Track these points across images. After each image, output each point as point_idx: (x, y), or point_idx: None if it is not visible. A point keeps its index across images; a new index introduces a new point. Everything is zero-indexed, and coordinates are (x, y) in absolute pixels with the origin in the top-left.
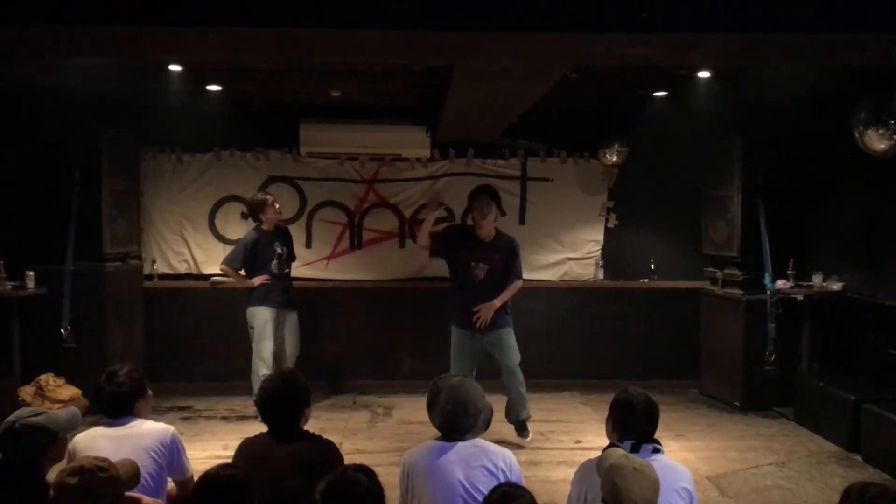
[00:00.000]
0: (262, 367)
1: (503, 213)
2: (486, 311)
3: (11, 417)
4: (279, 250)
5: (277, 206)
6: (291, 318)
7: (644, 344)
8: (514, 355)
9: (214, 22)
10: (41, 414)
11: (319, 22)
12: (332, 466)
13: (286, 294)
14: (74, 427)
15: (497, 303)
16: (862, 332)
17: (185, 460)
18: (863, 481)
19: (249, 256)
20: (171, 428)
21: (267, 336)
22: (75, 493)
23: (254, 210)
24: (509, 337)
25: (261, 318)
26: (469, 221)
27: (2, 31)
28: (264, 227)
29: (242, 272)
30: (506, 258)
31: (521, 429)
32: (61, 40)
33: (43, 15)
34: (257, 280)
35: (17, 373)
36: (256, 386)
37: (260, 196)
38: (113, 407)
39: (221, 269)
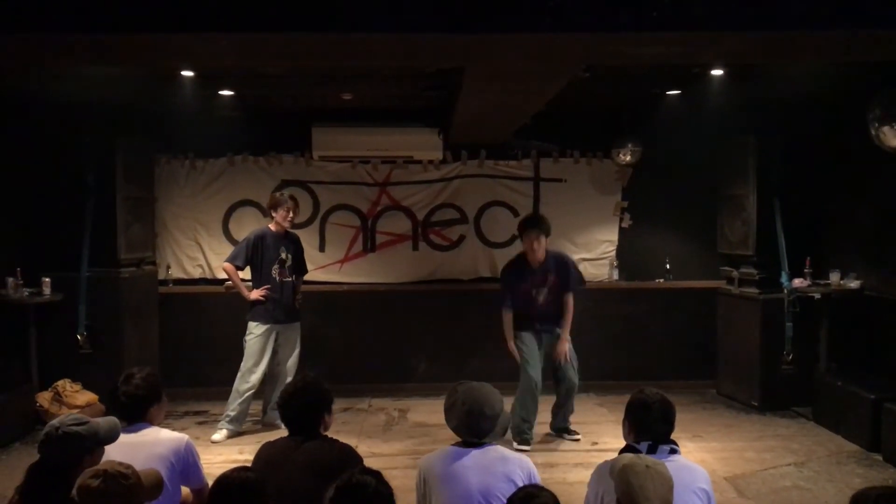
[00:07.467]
0: (245, 386)
1: (547, 235)
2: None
3: (55, 422)
4: (283, 256)
5: (291, 215)
6: (293, 332)
7: (660, 344)
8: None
9: (226, 28)
10: (85, 423)
11: (330, 26)
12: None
13: (289, 306)
14: (114, 439)
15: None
16: (880, 329)
17: (201, 469)
18: (864, 487)
19: (253, 253)
20: (185, 437)
21: (258, 358)
22: (97, 496)
23: (271, 205)
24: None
25: (256, 338)
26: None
27: (17, 41)
28: (272, 227)
29: (246, 274)
30: (559, 275)
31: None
32: (74, 49)
33: (56, 24)
34: (254, 294)
35: (35, 379)
36: (234, 402)
37: (279, 195)
38: (127, 409)
39: (224, 268)
